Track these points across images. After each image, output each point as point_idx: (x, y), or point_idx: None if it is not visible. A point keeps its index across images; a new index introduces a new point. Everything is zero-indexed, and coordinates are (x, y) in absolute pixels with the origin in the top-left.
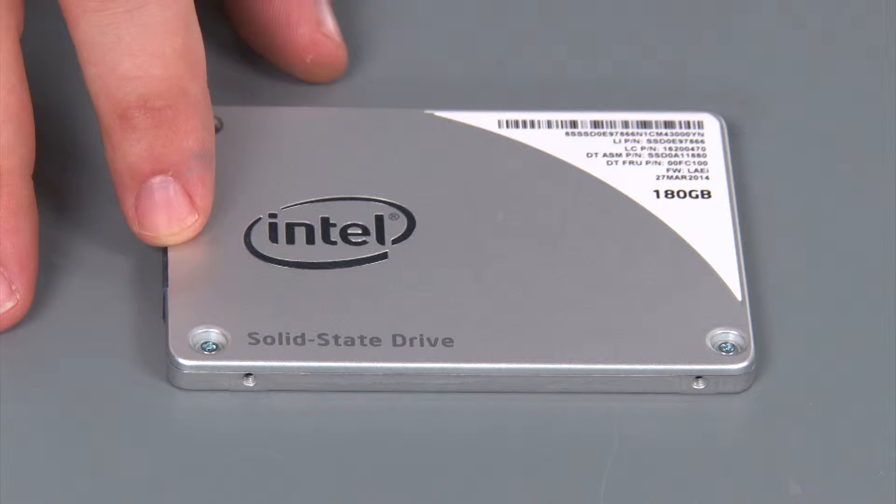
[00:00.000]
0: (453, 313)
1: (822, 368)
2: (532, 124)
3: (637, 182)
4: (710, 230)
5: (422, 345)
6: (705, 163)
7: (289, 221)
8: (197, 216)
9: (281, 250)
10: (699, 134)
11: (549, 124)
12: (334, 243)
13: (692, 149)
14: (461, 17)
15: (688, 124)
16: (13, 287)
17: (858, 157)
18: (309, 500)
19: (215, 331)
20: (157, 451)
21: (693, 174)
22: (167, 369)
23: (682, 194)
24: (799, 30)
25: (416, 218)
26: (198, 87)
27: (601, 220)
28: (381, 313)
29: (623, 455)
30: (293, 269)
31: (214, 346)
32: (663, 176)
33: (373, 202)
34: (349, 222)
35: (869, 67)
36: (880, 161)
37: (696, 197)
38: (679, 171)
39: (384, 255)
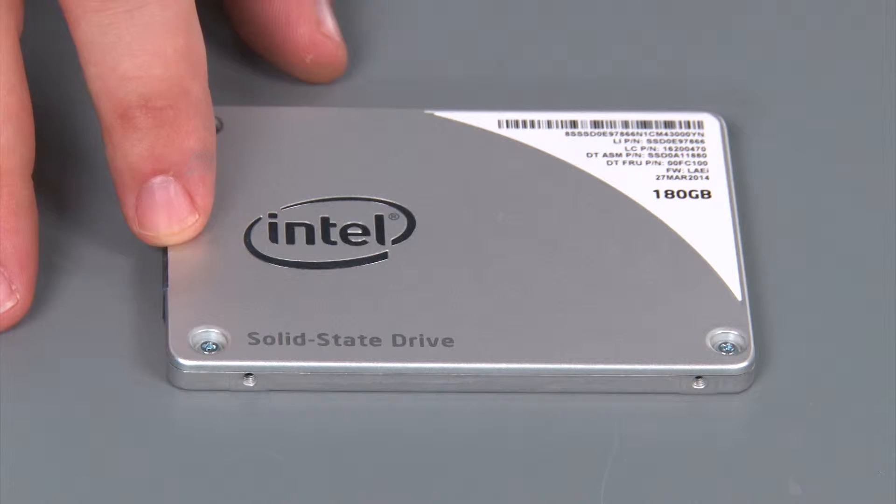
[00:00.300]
0: (453, 313)
1: (822, 368)
2: (532, 124)
3: (637, 182)
4: (710, 230)
5: (422, 345)
6: (705, 163)
7: (289, 221)
8: (197, 216)
9: (281, 250)
10: (699, 134)
11: (549, 124)
12: (334, 243)
13: (692, 149)
14: (461, 17)
15: (688, 124)
16: (13, 287)
17: (858, 157)
18: (309, 500)
19: (215, 331)
20: (157, 451)
21: (693, 174)
22: (167, 369)
23: (682, 194)
24: (799, 30)
25: (416, 218)
26: (199, 86)
27: (601, 220)
28: (381, 313)
29: (623, 455)
30: (293, 269)
31: (214, 346)
32: (663, 176)
33: (373, 202)
34: (349, 222)
35: (869, 67)
36: (880, 161)
37: (696, 197)
38: (679, 171)
39: (384, 255)
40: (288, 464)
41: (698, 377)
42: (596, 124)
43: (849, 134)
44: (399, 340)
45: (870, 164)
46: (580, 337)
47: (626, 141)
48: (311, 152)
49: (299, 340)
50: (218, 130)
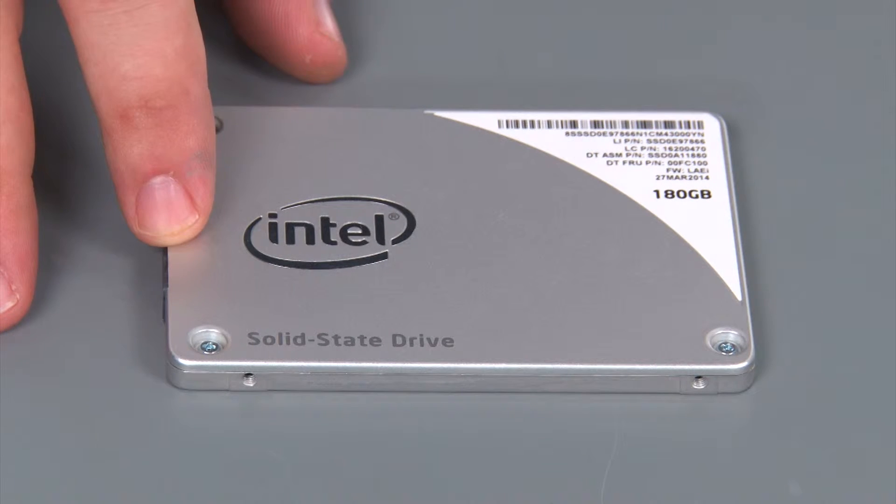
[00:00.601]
0: (453, 313)
1: (822, 368)
2: (532, 124)
3: (637, 182)
4: (710, 230)
5: (422, 345)
6: (705, 163)
7: (289, 221)
8: (197, 216)
9: (281, 250)
10: (699, 134)
11: (549, 124)
12: (334, 243)
13: (692, 149)
14: (461, 17)
15: (688, 124)
16: (13, 287)
17: (858, 157)
18: (309, 500)
19: (215, 331)
20: (157, 451)
21: (693, 174)
22: (167, 369)
23: (682, 194)
24: (799, 30)
25: (416, 218)
26: (199, 86)
27: (601, 220)
28: (381, 313)
29: (623, 455)
30: (293, 269)
31: (214, 346)
32: (663, 176)
33: (373, 202)
34: (349, 222)
35: (869, 67)
36: (880, 161)
37: (696, 197)
38: (679, 171)
39: (384, 255)
40: (288, 464)
41: (698, 377)
42: (596, 124)
43: (849, 134)
44: (399, 340)
45: (870, 164)
46: (580, 337)
47: (626, 141)
48: (311, 152)
49: (299, 340)
50: (218, 130)
